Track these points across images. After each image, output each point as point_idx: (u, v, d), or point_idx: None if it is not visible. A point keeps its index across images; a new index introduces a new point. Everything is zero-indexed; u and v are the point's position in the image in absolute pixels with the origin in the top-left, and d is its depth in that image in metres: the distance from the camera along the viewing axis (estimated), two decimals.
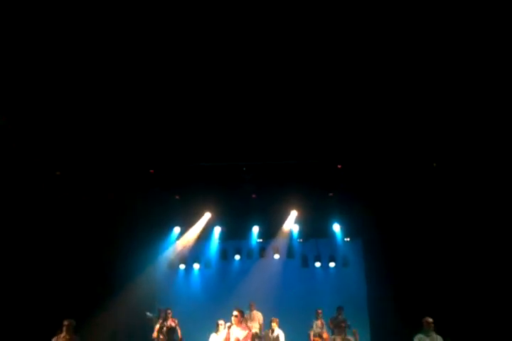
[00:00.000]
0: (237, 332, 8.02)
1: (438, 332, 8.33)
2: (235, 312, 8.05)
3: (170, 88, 8.55)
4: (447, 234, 10.83)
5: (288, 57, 8.02)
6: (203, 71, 8.22)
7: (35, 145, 9.05)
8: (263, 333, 10.85)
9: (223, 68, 8.18)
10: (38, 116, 8.66)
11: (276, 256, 12.80)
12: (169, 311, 10.75)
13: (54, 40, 7.13)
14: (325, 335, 10.79)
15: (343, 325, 9.43)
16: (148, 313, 10.86)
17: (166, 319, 10.60)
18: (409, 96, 8.80)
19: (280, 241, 12.91)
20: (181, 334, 10.52)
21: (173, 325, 10.41)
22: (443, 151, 10.22)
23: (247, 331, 8.08)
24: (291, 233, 12.87)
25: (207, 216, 12.42)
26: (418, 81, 8.35)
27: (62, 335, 7.89)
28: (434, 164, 10.68)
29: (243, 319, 8.38)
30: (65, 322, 7.94)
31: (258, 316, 11.44)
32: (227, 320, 8.76)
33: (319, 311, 11.13)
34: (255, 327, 11.14)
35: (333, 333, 9.91)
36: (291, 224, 12.64)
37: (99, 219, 10.93)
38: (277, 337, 9.86)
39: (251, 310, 11.43)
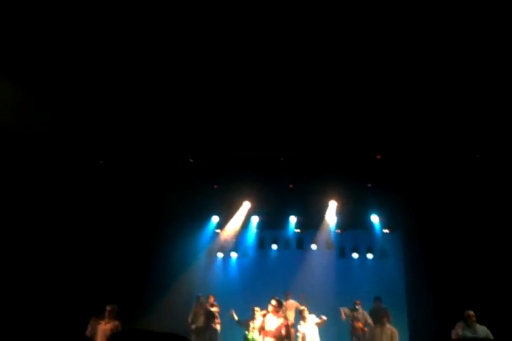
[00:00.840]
0: (272, 320, 8.12)
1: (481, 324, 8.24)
2: (273, 302, 8.14)
3: (211, 77, 8.61)
4: (489, 227, 10.58)
5: (320, 43, 7.95)
6: (239, 60, 8.25)
7: (78, 136, 9.29)
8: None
9: (257, 56, 8.18)
10: (80, 107, 8.89)
11: (314, 247, 12.80)
12: (211, 297, 10.97)
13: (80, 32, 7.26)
14: (359, 325, 10.73)
15: (383, 315, 9.37)
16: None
17: (207, 305, 10.84)
18: (451, 86, 8.61)
19: (318, 232, 12.91)
20: (219, 321, 10.75)
21: (214, 310, 10.64)
22: (486, 142, 9.97)
23: (281, 320, 8.16)
24: (329, 224, 12.84)
25: (245, 205, 12.52)
26: (458, 68, 8.15)
27: (105, 321, 8.04)
28: (477, 155, 10.42)
29: (280, 309, 8.48)
30: (108, 308, 8.12)
31: (294, 305, 11.45)
32: (263, 307, 8.88)
33: (357, 302, 11.05)
34: (290, 316, 11.19)
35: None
36: (329, 214, 12.61)
37: (140, 209, 11.17)
38: (310, 322, 9.87)
39: (286, 300, 11.46)
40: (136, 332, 0.81)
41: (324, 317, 9.89)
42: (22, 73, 7.71)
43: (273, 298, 8.31)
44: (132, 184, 10.76)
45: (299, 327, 10.21)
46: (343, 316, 10.83)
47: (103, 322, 8.05)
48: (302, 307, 10.28)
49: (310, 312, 10.12)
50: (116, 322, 7.95)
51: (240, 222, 12.79)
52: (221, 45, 7.66)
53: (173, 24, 7.18)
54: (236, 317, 10.01)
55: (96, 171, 10.38)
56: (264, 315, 8.19)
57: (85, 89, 8.53)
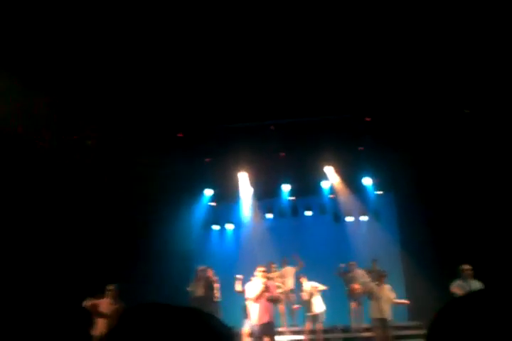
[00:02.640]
0: (253, 287, 8.15)
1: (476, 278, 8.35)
2: (261, 268, 8.18)
3: (194, 49, 8.46)
4: (482, 183, 10.66)
5: (307, 8, 7.81)
6: (224, 29, 8.10)
7: (67, 111, 9.14)
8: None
9: (242, 25, 8.03)
10: (69, 83, 8.72)
11: (308, 213, 12.90)
12: (210, 269, 11.06)
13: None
14: (356, 286, 10.88)
15: (382, 275, 9.47)
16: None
17: (206, 276, 10.93)
18: (437, 42, 8.52)
19: (311, 198, 12.99)
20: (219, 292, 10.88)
21: (214, 282, 10.76)
22: (474, 97, 9.92)
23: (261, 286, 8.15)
24: (321, 189, 12.91)
25: (238, 177, 12.52)
26: (444, 25, 8.06)
27: (107, 300, 7.92)
28: (466, 110, 10.38)
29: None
30: (109, 287, 8.03)
31: (292, 271, 11.54)
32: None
33: (352, 263, 11.18)
34: (289, 283, 11.31)
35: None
36: (321, 180, 12.66)
37: (130, 183, 11.10)
38: (313, 288, 10.04)
39: (283, 267, 11.57)
40: (150, 306, 0.78)
41: (324, 287, 10.09)
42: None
43: (259, 266, 8.35)
44: (122, 160, 10.67)
45: (301, 293, 10.34)
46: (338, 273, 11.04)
47: (106, 301, 7.92)
48: (302, 277, 10.41)
49: (309, 280, 10.26)
50: (118, 302, 7.82)
51: (231, 193, 12.81)
52: (207, 11, 7.50)
53: None
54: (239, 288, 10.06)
55: (85, 148, 10.26)
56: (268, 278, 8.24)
57: (73, 63, 8.36)
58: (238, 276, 8.51)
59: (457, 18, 7.79)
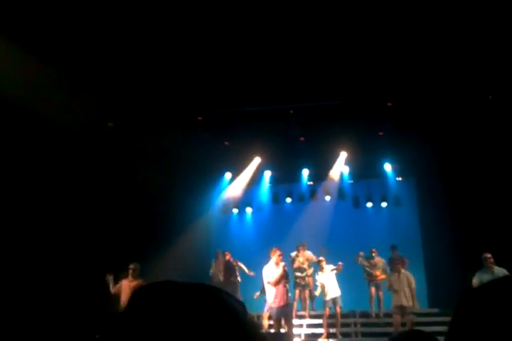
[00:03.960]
0: (272, 271, 8.16)
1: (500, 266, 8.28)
2: (278, 252, 8.20)
3: (213, 34, 8.40)
4: (504, 169, 10.46)
5: None
6: (243, 14, 8.01)
7: (86, 97, 9.18)
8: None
9: (262, 9, 7.94)
10: (86, 68, 8.75)
11: (328, 198, 12.84)
12: (227, 253, 11.15)
13: None
14: (377, 272, 10.86)
15: (397, 262, 9.52)
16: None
17: (225, 260, 11.02)
18: (461, 28, 8.32)
19: (331, 183, 12.91)
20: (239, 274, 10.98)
21: (234, 266, 10.85)
22: (498, 83, 9.70)
23: (280, 270, 8.17)
24: (341, 174, 12.83)
25: (257, 161, 12.49)
26: (466, 10, 7.86)
27: (129, 279, 8.20)
28: (490, 97, 10.17)
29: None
30: (131, 266, 8.27)
31: (310, 257, 11.51)
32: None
33: (373, 250, 11.15)
34: (307, 267, 11.28)
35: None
36: (341, 165, 12.56)
37: (151, 167, 11.16)
38: (328, 271, 10.03)
39: (303, 251, 11.54)
40: (161, 284, 0.78)
41: (340, 263, 10.00)
42: None
43: (274, 248, 8.37)
44: (142, 144, 10.71)
45: (317, 277, 10.37)
46: (358, 260, 11.00)
47: (127, 280, 8.17)
48: (320, 258, 10.39)
49: (328, 263, 10.25)
50: (141, 280, 8.08)
51: (248, 177, 12.80)
52: None
53: None
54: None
55: (106, 133, 10.32)
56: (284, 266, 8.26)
57: (85, 46, 8.37)
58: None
59: (479, 4, 7.58)
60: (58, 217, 9.74)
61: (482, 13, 7.86)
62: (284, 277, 8.17)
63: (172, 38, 8.41)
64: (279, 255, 8.21)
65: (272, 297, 8.12)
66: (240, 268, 11.24)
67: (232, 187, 13.12)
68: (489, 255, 8.33)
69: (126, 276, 8.28)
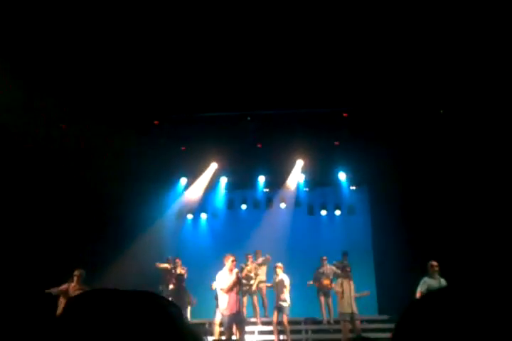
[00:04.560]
0: (225, 278, 8.15)
1: (442, 276, 8.50)
2: (231, 258, 8.19)
3: (173, 37, 8.35)
4: (454, 181, 10.82)
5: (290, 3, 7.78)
6: (203, 19, 8.00)
7: (40, 98, 8.95)
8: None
9: (223, 16, 7.95)
10: (42, 69, 8.53)
11: (283, 205, 12.92)
12: (178, 260, 11.00)
13: None
14: (326, 281, 10.94)
15: (348, 269, 9.67)
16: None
17: (175, 267, 10.86)
18: (416, 43, 8.59)
19: (286, 191, 13.01)
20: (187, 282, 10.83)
21: (182, 272, 10.68)
22: (449, 98, 10.06)
23: (233, 278, 8.18)
24: (297, 182, 12.94)
25: (213, 166, 12.45)
26: (424, 28, 8.13)
27: (73, 285, 8.01)
28: (441, 111, 10.55)
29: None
30: (76, 272, 8.09)
31: (264, 263, 11.52)
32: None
33: (324, 258, 11.27)
34: (262, 274, 11.32)
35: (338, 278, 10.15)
36: (297, 173, 12.68)
37: (104, 171, 10.96)
38: (281, 281, 10.06)
39: (257, 258, 11.57)
40: (99, 291, 0.76)
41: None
42: None
43: (228, 255, 8.36)
44: (96, 148, 10.50)
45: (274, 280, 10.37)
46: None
47: (72, 287, 7.96)
48: (278, 264, 10.37)
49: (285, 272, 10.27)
50: (86, 287, 7.86)
51: (204, 182, 12.74)
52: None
53: None
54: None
55: (58, 135, 10.08)
56: (244, 268, 8.26)
57: (37, 46, 8.17)
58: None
59: (433, 19, 7.85)
60: (6, 221, 9.43)
61: (433, 30, 8.13)
62: (237, 284, 8.14)
63: (130, 41, 8.30)
64: (232, 261, 8.17)
65: (224, 304, 8.07)
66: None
67: (188, 192, 13.02)
68: (435, 263, 8.56)
69: (71, 281, 8.08)
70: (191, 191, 12.98)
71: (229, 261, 8.15)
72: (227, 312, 8.03)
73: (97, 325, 0.77)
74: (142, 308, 0.80)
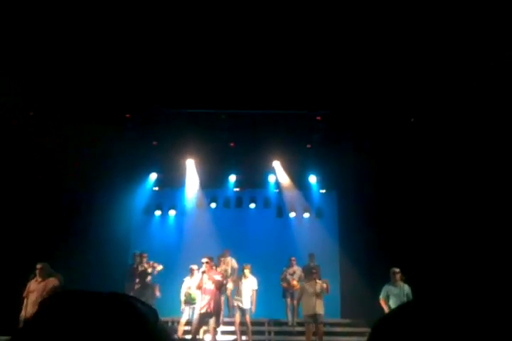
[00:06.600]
0: (213, 277, 8.24)
1: (406, 282, 8.62)
2: (205, 259, 8.26)
3: (151, 31, 8.25)
4: (422, 187, 11.00)
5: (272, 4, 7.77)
6: (181, 15, 7.93)
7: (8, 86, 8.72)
8: (235, 278, 10.96)
9: (201, 13, 7.90)
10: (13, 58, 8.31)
11: (252, 206, 12.91)
12: (144, 255, 10.86)
13: None
14: (294, 282, 10.97)
15: (313, 271, 9.69)
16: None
17: (141, 262, 10.72)
18: (389, 52, 8.71)
19: (256, 191, 13.00)
20: (156, 278, 10.72)
21: (147, 268, 10.55)
22: (420, 107, 10.25)
23: (218, 277, 8.34)
24: (267, 183, 12.95)
25: (184, 163, 12.34)
26: (395, 37, 8.25)
27: (37, 279, 7.87)
28: (412, 119, 10.73)
29: (214, 264, 8.67)
30: (38, 266, 7.94)
31: (231, 262, 11.49)
32: (200, 266, 8.93)
33: (292, 259, 11.30)
34: (227, 271, 11.28)
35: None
36: (268, 174, 12.69)
37: (74, 164, 10.74)
38: (248, 282, 10.06)
39: (225, 257, 11.52)
40: (70, 293, 0.74)
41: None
42: None
43: (204, 257, 8.44)
44: (66, 139, 10.28)
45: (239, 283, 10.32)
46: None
47: (35, 281, 7.84)
48: (246, 265, 10.33)
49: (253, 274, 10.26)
50: (51, 279, 7.77)
51: (176, 179, 12.63)
52: None
53: None
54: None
55: (27, 124, 9.83)
56: (203, 272, 8.28)
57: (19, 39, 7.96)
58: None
59: (403, 28, 7.96)
60: None
61: (403, 40, 8.25)
62: (218, 284, 8.24)
63: (105, 33, 8.15)
64: (207, 262, 8.25)
65: (202, 303, 8.19)
66: (155, 269, 10.94)
67: (157, 188, 12.88)
68: (398, 270, 8.70)
69: (34, 276, 7.93)
70: (160, 187, 12.84)
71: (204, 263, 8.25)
72: (203, 311, 8.19)
73: (68, 329, 0.76)
74: (113, 310, 0.79)
